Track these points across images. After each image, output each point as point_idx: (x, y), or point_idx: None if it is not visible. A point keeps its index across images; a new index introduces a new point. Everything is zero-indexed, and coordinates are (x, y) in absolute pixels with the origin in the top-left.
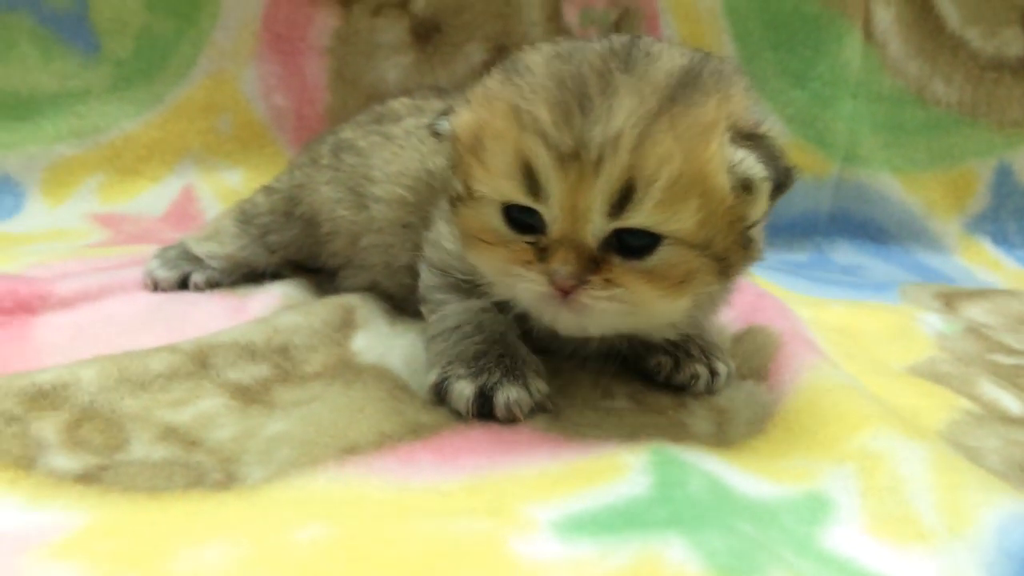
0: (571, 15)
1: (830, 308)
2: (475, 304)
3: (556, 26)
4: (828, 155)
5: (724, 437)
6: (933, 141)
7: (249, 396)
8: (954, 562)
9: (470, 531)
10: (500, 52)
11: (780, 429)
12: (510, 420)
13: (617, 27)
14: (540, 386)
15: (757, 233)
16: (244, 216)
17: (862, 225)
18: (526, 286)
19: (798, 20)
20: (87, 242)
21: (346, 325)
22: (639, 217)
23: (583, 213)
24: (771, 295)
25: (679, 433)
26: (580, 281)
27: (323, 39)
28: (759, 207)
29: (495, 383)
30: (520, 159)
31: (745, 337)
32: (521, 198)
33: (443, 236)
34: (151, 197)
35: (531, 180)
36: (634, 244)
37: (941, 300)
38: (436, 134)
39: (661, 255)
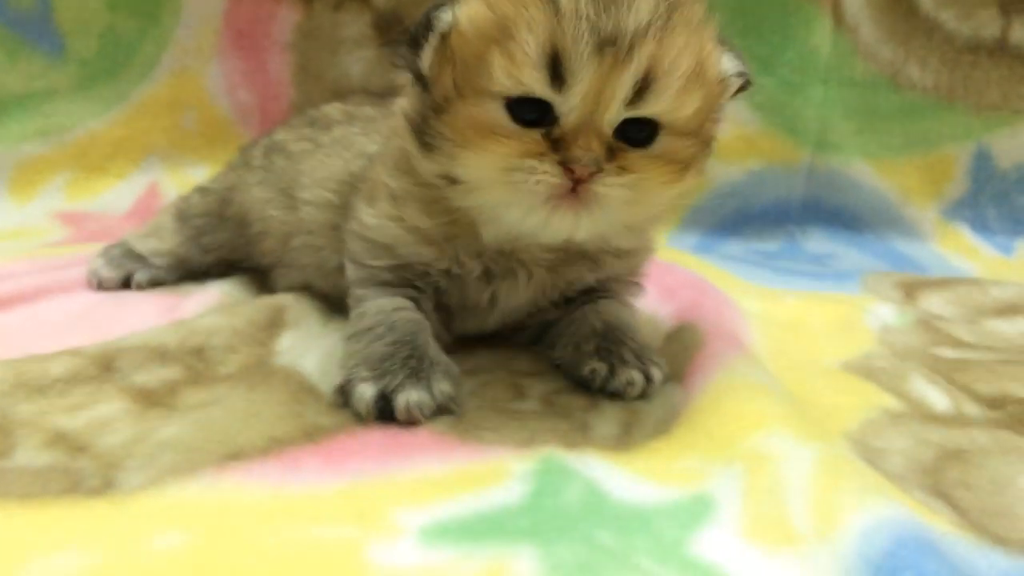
0: None
1: (783, 301)
2: (390, 303)
3: None
4: (798, 142)
5: (627, 439)
6: (908, 126)
7: (152, 399)
8: (815, 567)
9: (329, 538)
10: None
11: (684, 430)
12: (410, 422)
13: None
14: (444, 388)
15: (717, 129)
16: (181, 215)
17: (835, 213)
18: (538, 178)
19: (765, 6)
20: (46, 240)
21: (273, 325)
22: (656, 106)
23: (606, 100)
24: (716, 291)
25: (579, 437)
26: (597, 168)
27: (285, 34)
28: (725, 100)
29: (397, 385)
30: (551, 47)
31: (675, 336)
32: (542, 88)
33: (371, 221)
34: (116, 194)
35: (556, 69)
36: (636, 135)
37: (902, 290)
38: (427, 31)
39: (662, 143)
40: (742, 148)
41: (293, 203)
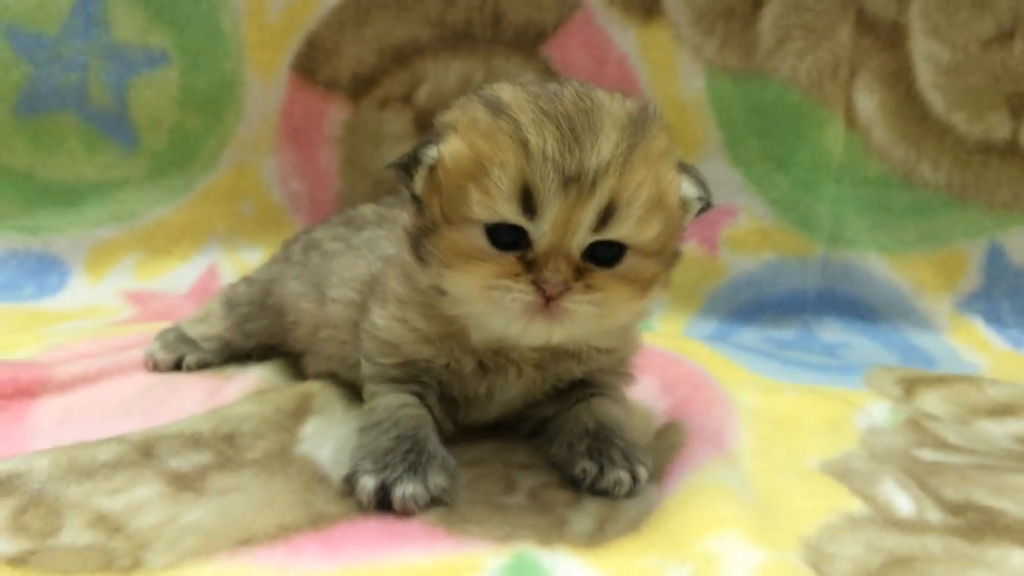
0: None
1: (783, 395)
2: (396, 400)
3: None
4: (812, 237)
5: (600, 535)
6: (921, 222)
7: (184, 483)
8: None
9: None
10: None
11: (651, 528)
12: (406, 513)
13: None
14: (438, 481)
15: (681, 246)
16: (228, 302)
17: (851, 304)
18: (513, 296)
19: (779, 109)
20: (114, 319)
21: (300, 412)
22: (620, 231)
23: (573, 228)
24: (712, 387)
25: (555, 533)
26: (566, 287)
27: (335, 130)
28: (688, 221)
29: (396, 478)
30: (522, 182)
31: (662, 434)
32: (515, 217)
33: (380, 322)
34: (179, 275)
35: (527, 201)
36: (604, 255)
37: (903, 386)
38: (416, 163)
39: (628, 263)
40: (757, 240)
41: (322, 298)
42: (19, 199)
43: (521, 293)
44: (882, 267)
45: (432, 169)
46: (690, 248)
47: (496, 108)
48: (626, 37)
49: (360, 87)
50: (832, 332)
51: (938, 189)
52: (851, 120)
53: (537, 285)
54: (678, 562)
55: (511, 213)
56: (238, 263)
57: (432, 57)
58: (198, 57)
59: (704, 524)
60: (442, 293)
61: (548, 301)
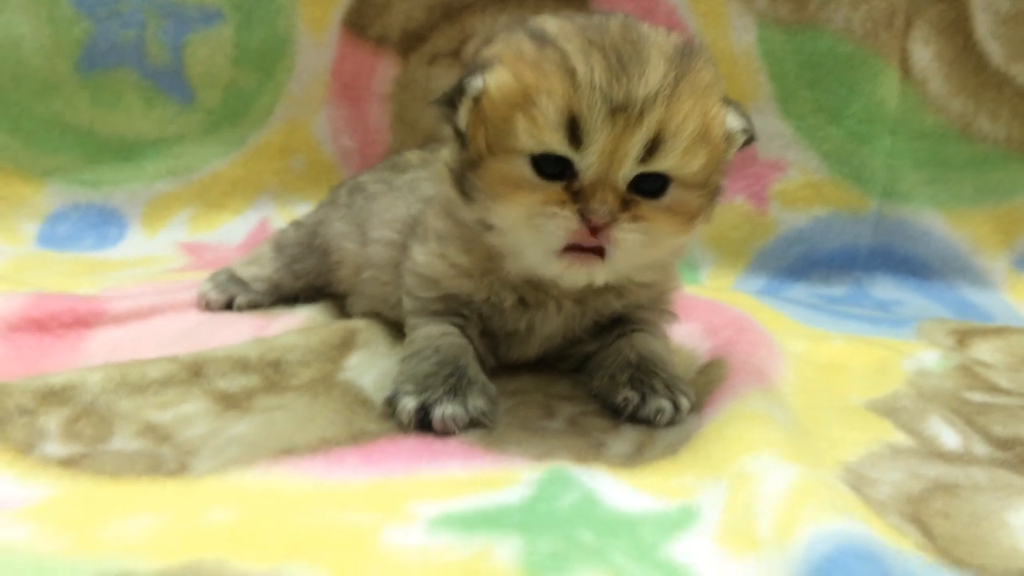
0: None
1: (829, 343)
2: (437, 330)
3: None
4: (865, 191)
5: (637, 458)
6: (980, 177)
7: (231, 402)
8: (768, 569)
9: (352, 522)
10: None
11: (688, 452)
12: (446, 433)
13: None
14: (478, 404)
15: (724, 180)
16: (278, 245)
17: (904, 260)
18: (558, 223)
19: (832, 60)
20: (169, 267)
21: (345, 345)
22: (666, 162)
23: (620, 159)
24: (757, 330)
25: (592, 454)
26: (612, 218)
27: (384, 86)
28: (731, 154)
29: (436, 399)
30: (569, 112)
31: (704, 370)
32: (562, 147)
33: (420, 259)
34: (232, 228)
35: (574, 131)
36: (649, 187)
37: (955, 337)
38: (460, 94)
39: (672, 195)
40: (809, 195)
41: (365, 239)
42: (80, 154)
43: (566, 220)
44: (938, 223)
45: (477, 101)
46: (738, 203)
47: (542, 39)
48: None
49: (410, 43)
50: (884, 289)
51: (997, 142)
52: (906, 71)
53: (583, 215)
54: (713, 480)
55: (557, 143)
56: (289, 217)
57: (480, 12)
58: (251, 14)
59: (741, 445)
60: (487, 228)
61: (594, 231)
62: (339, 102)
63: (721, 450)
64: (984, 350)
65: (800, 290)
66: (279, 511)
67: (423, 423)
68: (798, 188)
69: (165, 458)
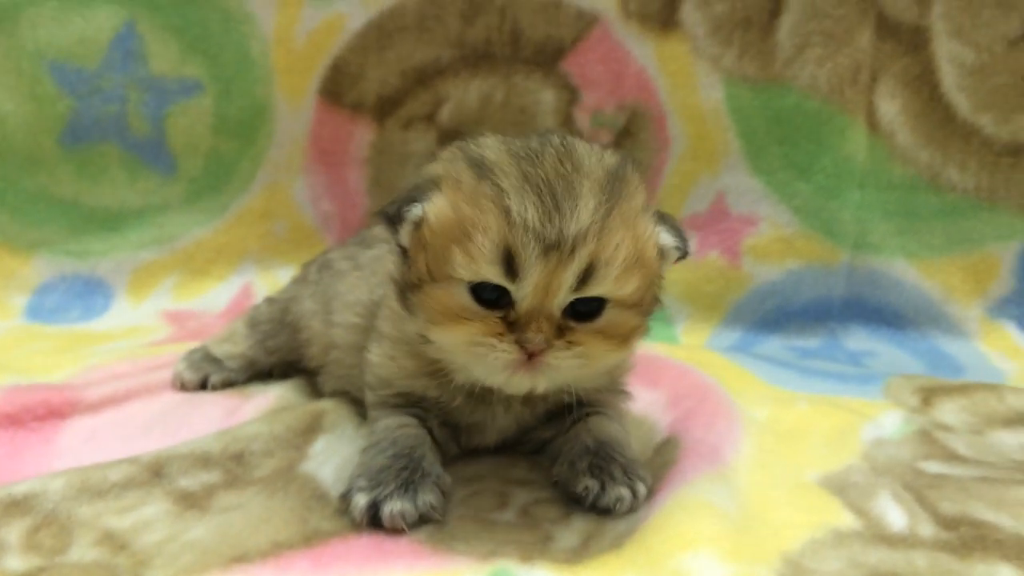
0: (583, 120)
1: (794, 407)
2: (395, 421)
3: (569, 130)
4: (836, 244)
5: (583, 552)
6: (950, 226)
7: (191, 501)
8: None
9: None
10: None
11: (633, 545)
12: (396, 529)
13: (626, 129)
14: (428, 499)
15: (661, 293)
16: (252, 321)
17: (877, 310)
18: (497, 355)
19: (800, 116)
20: (152, 339)
21: (311, 430)
22: (599, 289)
23: (554, 290)
24: (719, 400)
25: (539, 549)
26: (547, 345)
27: (362, 151)
28: (666, 269)
29: (387, 495)
30: (504, 247)
31: (661, 449)
32: (498, 279)
33: (374, 359)
34: (215, 295)
35: (509, 264)
36: (584, 310)
37: (921, 395)
38: (400, 219)
39: (608, 316)
40: (781, 249)
41: (329, 320)
42: (66, 225)
43: (504, 352)
44: (910, 273)
45: (417, 225)
46: (713, 258)
47: (480, 169)
48: (644, 50)
49: (385, 108)
50: (858, 340)
51: (966, 192)
52: (873, 125)
53: (520, 344)
54: None
55: (494, 275)
56: (272, 282)
57: (453, 76)
58: (230, 84)
59: (681, 541)
60: (428, 342)
61: (531, 357)
62: (318, 167)
63: (662, 545)
64: (948, 410)
65: (775, 343)
66: None
67: (375, 520)
68: (770, 242)
69: (120, 569)
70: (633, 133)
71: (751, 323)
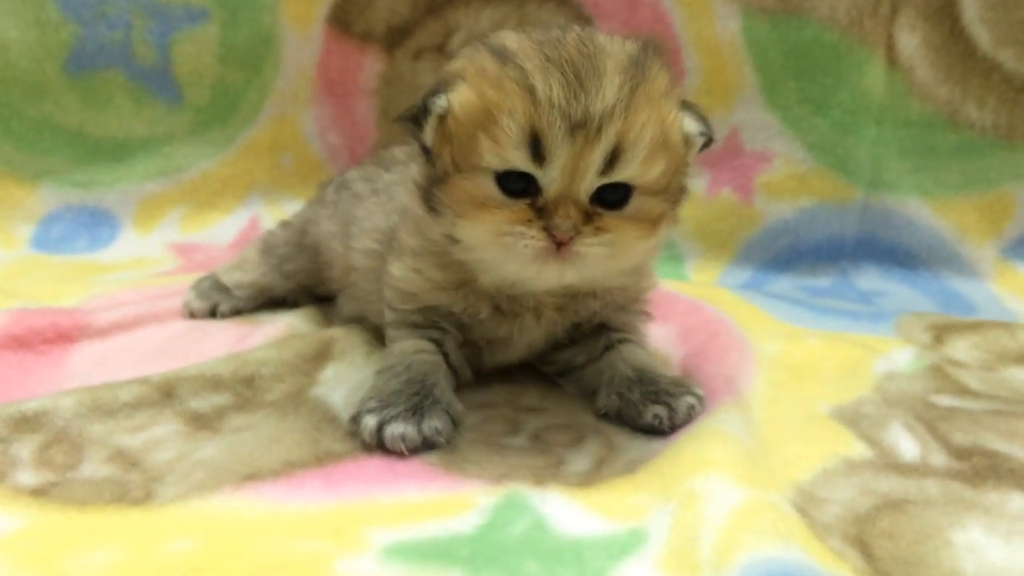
0: None
1: (804, 342)
2: (412, 346)
3: None
4: (851, 181)
5: (595, 475)
6: (967, 164)
7: (201, 423)
8: None
9: (306, 550)
10: None
11: (645, 470)
12: (397, 452)
13: None
14: (434, 424)
15: (688, 182)
16: (266, 247)
17: (890, 250)
18: (526, 242)
19: (817, 49)
20: (159, 270)
21: (320, 356)
22: (626, 172)
23: (581, 173)
24: (731, 334)
25: (550, 473)
26: (576, 231)
27: (370, 82)
28: (692, 156)
29: (391, 418)
30: (530, 130)
31: None
32: (525, 164)
33: (397, 273)
34: (222, 227)
35: (536, 148)
36: (612, 198)
37: (933, 333)
38: (426, 113)
39: (635, 204)
40: (794, 186)
41: (348, 243)
42: (71, 155)
43: (533, 239)
44: (924, 212)
45: (442, 119)
46: (724, 195)
47: (502, 56)
48: None
49: (394, 38)
50: (870, 279)
51: (984, 130)
52: (892, 59)
53: (548, 231)
54: (664, 500)
55: (520, 160)
56: (279, 214)
57: (464, 6)
58: (236, 12)
59: (694, 465)
60: (454, 242)
61: (559, 246)
62: (325, 99)
63: (675, 469)
64: (960, 347)
65: (785, 282)
66: (238, 540)
67: (382, 441)
68: (784, 179)
69: (131, 485)
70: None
71: (762, 261)
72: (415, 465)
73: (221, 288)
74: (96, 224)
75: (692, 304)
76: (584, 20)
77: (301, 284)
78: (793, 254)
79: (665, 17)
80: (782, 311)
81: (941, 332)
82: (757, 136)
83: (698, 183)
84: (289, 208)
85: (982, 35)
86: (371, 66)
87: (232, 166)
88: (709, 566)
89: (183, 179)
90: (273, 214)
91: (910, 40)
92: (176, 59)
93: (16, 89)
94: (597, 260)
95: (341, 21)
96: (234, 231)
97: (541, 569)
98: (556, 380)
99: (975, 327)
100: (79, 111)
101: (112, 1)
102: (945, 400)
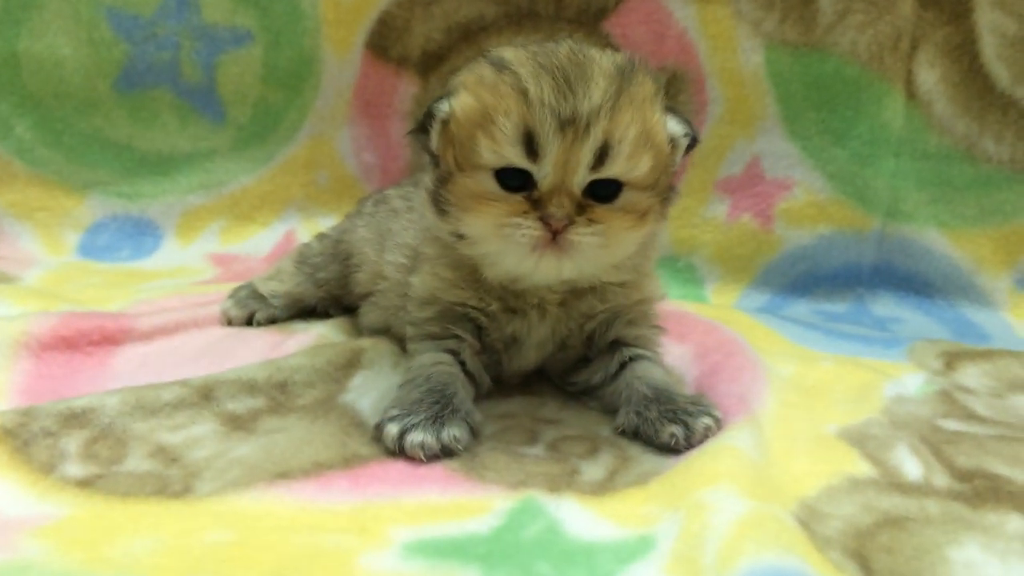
0: None
1: (818, 365)
2: (431, 359)
3: None
4: (869, 211)
5: (609, 485)
6: (984, 197)
7: (237, 423)
8: None
9: (332, 545)
10: None
11: (658, 482)
12: (416, 459)
13: (666, 91)
14: (454, 432)
15: (676, 180)
16: (301, 257)
17: (906, 278)
18: (523, 232)
19: (839, 82)
20: (199, 279)
21: (351, 365)
22: (614, 168)
23: (573, 167)
24: (745, 355)
25: (565, 480)
26: (570, 221)
27: (405, 104)
28: (678, 157)
29: (412, 426)
30: (524, 128)
31: None
32: (520, 160)
33: (417, 282)
34: (260, 240)
35: (530, 144)
36: (603, 192)
37: (944, 359)
38: (430, 119)
39: (625, 198)
40: (813, 214)
41: (381, 252)
42: (119, 168)
43: (530, 229)
44: (941, 242)
45: (445, 124)
46: (745, 221)
47: (500, 65)
48: (686, 12)
49: (429, 63)
50: (885, 306)
51: (1001, 164)
52: (912, 93)
53: (544, 221)
54: (673, 510)
55: (516, 156)
56: (314, 230)
57: (497, 34)
58: (279, 35)
59: (703, 478)
60: (460, 238)
61: (555, 235)
62: (361, 119)
63: (686, 482)
64: (971, 374)
65: (802, 306)
66: (269, 533)
67: (403, 448)
68: (803, 207)
69: (171, 480)
70: (672, 95)
71: (780, 286)
72: (437, 470)
73: (258, 297)
74: (140, 234)
75: (709, 325)
76: (613, 51)
77: (331, 293)
78: (810, 279)
79: (691, 49)
80: (798, 334)
81: (952, 359)
82: (778, 164)
83: (719, 208)
84: (323, 223)
85: (1000, 72)
86: (406, 89)
87: (270, 182)
88: (712, 571)
89: (224, 193)
90: (308, 228)
91: (929, 75)
92: (221, 79)
93: (69, 104)
94: (590, 249)
95: (379, 46)
96: (271, 243)
97: (553, 569)
98: (581, 399)
99: (986, 355)
100: (127, 126)
101: (162, 23)
102: (952, 424)
